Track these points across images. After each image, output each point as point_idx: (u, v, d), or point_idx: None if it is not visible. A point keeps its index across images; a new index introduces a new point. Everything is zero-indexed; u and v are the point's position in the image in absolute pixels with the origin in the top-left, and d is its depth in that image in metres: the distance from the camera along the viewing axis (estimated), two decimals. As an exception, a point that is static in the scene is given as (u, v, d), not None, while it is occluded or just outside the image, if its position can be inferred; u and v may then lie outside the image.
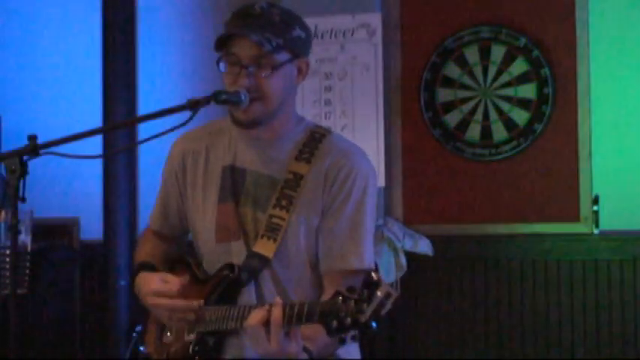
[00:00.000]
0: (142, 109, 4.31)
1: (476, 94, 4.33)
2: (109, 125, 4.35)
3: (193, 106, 1.92)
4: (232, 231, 2.10)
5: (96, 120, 4.23)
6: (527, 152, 4.25)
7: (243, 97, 1.99)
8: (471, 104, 4.33)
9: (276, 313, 1.78)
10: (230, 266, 2.07)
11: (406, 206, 4.37)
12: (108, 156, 4.20)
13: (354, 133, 4.12)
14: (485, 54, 4.31)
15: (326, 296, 1.80)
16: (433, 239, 4.20)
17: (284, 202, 2.05)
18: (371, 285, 1.62)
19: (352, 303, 1.62)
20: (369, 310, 1.59)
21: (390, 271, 4.09)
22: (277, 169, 2.09)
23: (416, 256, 4.16)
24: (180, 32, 4.66)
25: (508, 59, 4.28)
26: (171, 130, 1.94)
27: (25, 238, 3.97)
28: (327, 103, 4.23)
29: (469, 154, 4.33)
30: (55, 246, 4.55)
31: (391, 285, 1.63)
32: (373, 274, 1.65)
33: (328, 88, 4.23)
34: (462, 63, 4.34)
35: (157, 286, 2.05)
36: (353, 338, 1.64)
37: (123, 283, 4.14)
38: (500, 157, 4.29)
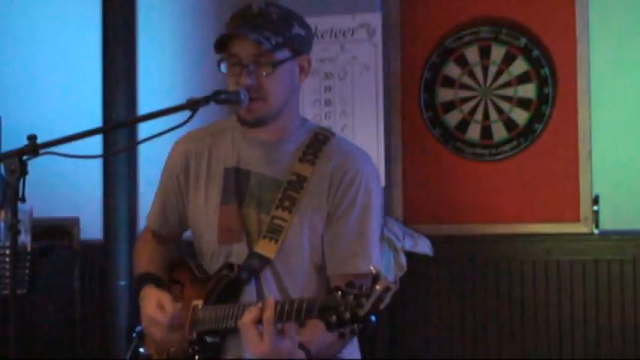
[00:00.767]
0: (142, 109, 4.31)
1: (476, 94, 4.33)
2: (109, 125, 4.34)
3: (193, 106, 1.93)
4: (235, 232, 2.09)
5: (96, 120, 4.23)
6: (527, 152, 4.25)
7: (242, 97, 1.99)
8: (471, 104, 4.33)
9: (268, 311, 1.77)
10: (229, 266, 2.07)
11: (406, 206, 4.36)
12: (108, 156, 4.19)
13: (354, 133, 4.12)
14: (485, 54, 4.31)
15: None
16: (433, 239, 4.20)
17: (287, 204, 2.05)
18: (370, 278, 1.62)
19: (351, 297, 1.62)
20: (368, 304, 1.59)
21: (390, 271, 4.09)
22: (281, 170, 2.08)
23: (416, 256, 4.16)
24: (181, 32, 4.66)
25: (508, 59, 4.28)
26: (171, 129, 1.94)
27: (25, 238, 3.96)
28: (327, 103, 4.23)
29: (469, 154, 4.33)
30: (55, 246, 4.54)
31: (391, 280, 1.62)
32: (372, 268, 1.66)
33: (328, 88, 4.23)
34: (462, 63, 4.34)
35: (152, 313, 2.05)
36: (352, 333, 1.64)
37: (123, 283, 4.14)
38: (500, 157, 4.29)
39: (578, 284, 4.14)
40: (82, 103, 4.63)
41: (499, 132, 4.29)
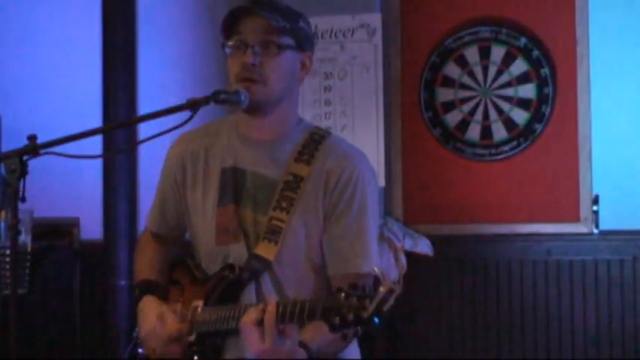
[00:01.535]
0: (142, 109, 4.31)
1: (476, 94, 4.33)
2: (109, 125, 4.34)
3: (193, 106, 1.93)
4: (232, 233, 2.09)
5: (96, 120, 4.22)
6: (527, 152, 4.25)
7: (242, 97, 1.99)
8: (471, 104, 4.33)
9: (270, 312, 1.78)
10: (230, 267, 2.07)
11: (406, 206, 4.36)
12: (108, 156, 4.19)
13: (354, 133, 4.12)
14: (485, 54, 4.31)
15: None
16: (433, 239, 4.20)
17: (284, 204, 2.05)
18: (374, 280, 1.62)
19: (354, 299, 1.62)
20: (371, 306, 1.59)
21: (390, 271, 4.09)
22: (277, 170, 2.08)
23: (416, 256, 4.16)
24: (181, 32, 4.66)
25: (508, 59, 4.28)
26: (171, 130, 1.94)
27: (25, 238, 3.96)
28: (327, 103, 4.23)
29: (469, 154, 4.33)
30: (55, 246, 4.54)
31: (394, 281, 1.62)
32: (376, 269, 1.65)
33: (328, 88, 4.23)
34: (462, 63, 4.34)
35: (153, 327, 2.06)
36: (355, 334, 1.64)
37: (123, 283, 4.13)
38: (500, 157, 4.29)
39: (578, 284, 4.14)
40: (82, 103, 4.63)
41: (499, 132, 4.29)
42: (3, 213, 3.80)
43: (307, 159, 2.08)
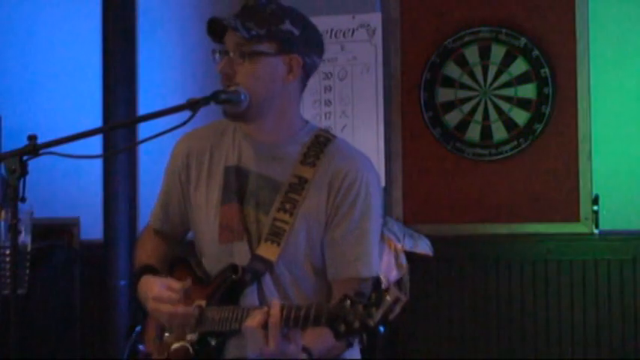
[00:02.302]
0: (142, 109, 4.31)
1: (476, 94, 4.33)
2: (109, 125, 4.35)
3: (193, 106, 1.93)
4: (235, 232, 2.09)
5: (96, 120, 4.22)
6: (527, 152, 4.25)
7: (242, 97, 1.99)
8: (471, 104, 4.33)
9: (275, 314, 1.78)
10: (233, 267, 2.07)
11: (406, 206, 4.36)
12: (108, 156, 4.19)
13: (354, 133, 4.12)
14: (485, 54, 4.31)
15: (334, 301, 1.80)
16: (433, 239, 4.20)
17: (288, 206, 2.05)
18: (380, 289, 1.62)
19: (360, 307, 1.62)
20: (378, 315, 1.59)
21: (390, 272, 4.09)
22: (281, 171, 2.08)
23: (416, 256, 4.16)
24: (181, 32, 4.66)
25: (508, 59, 4.28)
26: (171, 129, 1.94)
27: (25, 238, 3.96)
28: (327, 103, 4.23)
29: (469, 154, 4.33)
30: (55, 246, 4.55)
31: (399, 289, 1.63)
32: (382, 278, 1.66)
33: (328, 88, 4.23)
34: (462, 63, 4.34)
35: (159, 292, 2.06)
36: (360, 342, 1.64)
37: (123, 283, 4.14)
38: (500, 157, 4.29)
39: (578, 284, 4.14)
40: (82, 103, 4.63)
41: (499, 132, 4.29)
42: (3, 213, 3.80)
43: (312, 161, 2.07)
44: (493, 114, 4.30)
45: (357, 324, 1.61)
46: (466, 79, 4.34)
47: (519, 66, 4.27)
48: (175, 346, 2.11)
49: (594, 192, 4.13)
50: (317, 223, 2.06)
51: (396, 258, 4.13)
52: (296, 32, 2.05)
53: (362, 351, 2.22)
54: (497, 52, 4.29)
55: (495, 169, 4.30)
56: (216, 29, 2.05)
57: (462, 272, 4.28)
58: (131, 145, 4.04)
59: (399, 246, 4.13)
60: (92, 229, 4.48)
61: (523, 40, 4.25)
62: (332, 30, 4.22)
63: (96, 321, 4.41)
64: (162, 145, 2.21)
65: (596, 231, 4.12)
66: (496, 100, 4.30)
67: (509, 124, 4.28)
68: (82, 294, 4.59)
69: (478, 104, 4.32)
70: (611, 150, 4.15)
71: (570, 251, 4.16)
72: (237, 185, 2.11)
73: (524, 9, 4.27)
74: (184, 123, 1.93)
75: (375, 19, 4.20)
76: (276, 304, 1.80)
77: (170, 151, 2.26)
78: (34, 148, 1.84)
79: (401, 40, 4.40)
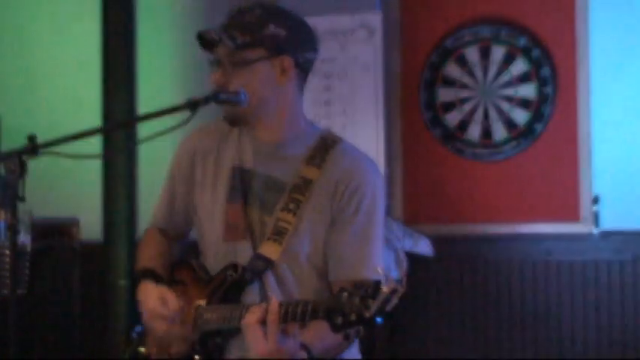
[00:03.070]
0: (142, 109, 4.31)
1: (476, 94, 4.33)
2: (109, 125, 4.35)
3: (193, 106, 1.93)
4: (240, 231, 2.10)
5: (96, 120, 4.22)
6: (527, 152, 4.25)
7: (243, 97, 2.00)
8: (471, 104, 4.33)
9: (273, 311, 1.78)
10: (234, 266, 2.07)
11: (406, 206, 4.37)
12: (108, 156, 4.19)
13: (354, 133, 4.12)
14: (485, 54, 4.31)
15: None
16: (433, 239, 4.20)
17: (291, 206, 2.05)
18: (377, 280, 1.62)
19: (357, 299, 1.62)
20: (374, 306, 1.60)
21: (390, 272, 4.09)
22: (286, 172, 2.09)
23: (416, 256, 4.16)
24: (180, 32, 4.66)
25: (508, 59, 4.28)
26: (171, 129, 1.94)
27: (24, 238, 3.96)
28: (327, 103, 4.23)
29: (469, 154, 4.33)
30: (55, 246, 4.55)
31: (398, 281, 1.63)
32: (379, 269, 1.66)
33: (328, 88, 4.23)
34: (462, 63, 4.34)
35: (154, 306, 2.05)
36: (357, 334, 1.64)
37: (123, 283, 4.14)
38: (500, 157, 4.29)
39: (578, 284, 4.14)
40: (82, 103, 4.63)
41: (499, 132, 4.29)
42: (2, 213, 3.79)
43: (318, 163, 2.08)
44: (493, 114, 4.30)
45: (353, 316, 1.61)
46: (466, 79, 4.34)
47: (519, 66, 4.27)
48: (176, 346, 2.11)
49: (594, 192, 4.13)
50: (321, 225, 2.06)
51: (397, 258, 4.13)
52: (282, 33, 2.05)
53: (362, 351, 2.22)
54: (497, 52, 4.29)
55: (495, 169, 4.30)
56: (206, 40, 2.07)
57: (462, 272, 4.28)
58: (131, 145, 4.04)
59: (399, 246, 4.13)
60: (92, 229, 4.48)
61: (523, 40, 4.25)
62: (332, 30, 4.21)
63: (96, 321, 4.41)
64: (162, 145, 2.21)
65: (596, 231, 4.12)
66: (496, 100, 4.30)
67: (509, 124, 4.28)
68: (81, 294, 4.59)
69: (478, 104, 4.32)
70: (611, 150, 4.15)
71: (570, 251, 4.16)
72: (241, 185, 2.11)
73: (524, 9, 4.27)
74: (184, 123, 1.94)
75: (375, 19, 4.20)
76: (274, 300, 1.80)
77: (175, 150, 2.26)
78: (33, 148, 1.84)
79: (401, 40, 4.41)
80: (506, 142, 4.28)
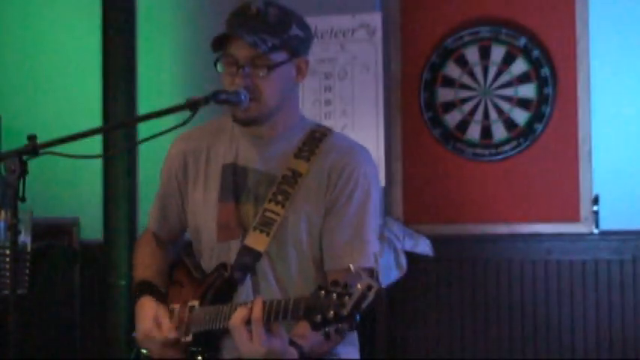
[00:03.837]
0: (142, 109, 4.31)
1: (476, 94, 4.33)
2: (109, 125, 4.35)
3: (193, 106, 1.93)
4: (233, 229, 2.10)
5: (96, 120, 4.22)
6: (527, 152, 4.25)
7: (242, 97, 2.00)
8: (471, 104, 4.33)
9: (256, 310, 1.79)
10: (223, 266, 2.08)
11: (406, 206, 4.36)
12: (108, 156, 4.19)
13: (354, 133, 4.11)
14: (485, 54, 4.31)
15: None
16: (433, 239, 4.20)
17: (280, 198, 2.06)
18: (352, 278, 1.63)
19: (334, 296, 1.63)
20: (350, 304, 1.61)
21: (390, 271, 4.09)
22: (276, 166, 2.10)
23: (416, 256, 4.16)
24: (180, 32, 4.66)
25: (508, 59, 4.28)
26: (171, 129, 1.94)
27: (25, 238, 3.96)
28: (327, 103, 4.23)
29: (469, 154, 4.32)
30: (55, 246, 4.55)
31: (374, 278, 1.63)
32: (351, 267, 1.66)
33: (328, 88, 4.23)
34: (462, 63, 4.34)
35: (148, 328, 2.06)
36: (337, 332, 1.64)
37: (123, 283, 4.13)
38: (500, 157, 4.29)
39: (578, 284, 4.14)
40: (82, 103, 4.63)
41: (499, 132, 4.29)
42: (3, 213, 3.80)
43: (307, 156, 2.09)
44: (493, 114, 4.30)
45: (331, 314, 1.62)
46: (466, 79, 4.34)
47: (519, 66, 4.26)
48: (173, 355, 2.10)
49: (594, 192, 4.13)
50: (315, 214, 2.07)
51: (396, 258, 4.14)
52: (302, 35, 2.07)
53: (362, 351, 2.22)
54: (497, 52, 4.29)
55: (495, 169, 4.30)
56: (219, 44, 2.04)
57: (462, 272, 4.28)
58: (131, 145, 4.04)
59: (399, 246, 4.14)
60: (92, 229, 4.48)
61: (523, 40, 4.25)
62: (332, 30, 4.21)
63: (96, 321, 4.41)
64: (162, 145, 2.21)
65: (596, 231, 4.12)
66: (496, 100, 4.30)
67: (509, 124, 4.28)
68: (82, 294, 4.59)
69: (478, 104, 4.32)
70: (611, 150, 4.15)
71: (570, 251, 4.16)
72: (234, 183, 2.12)
73: (524, 9, 4.27)
74: (184, 123, 1.94)
75: (375, 19, 4.20)
76: (258, 299, 1.81)
77: (166, 153, 2.26)
78: (33, 148, 1.84)
79: (401, 40, 4.40)
80: (506, 142, 4.28)
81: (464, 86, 4.34)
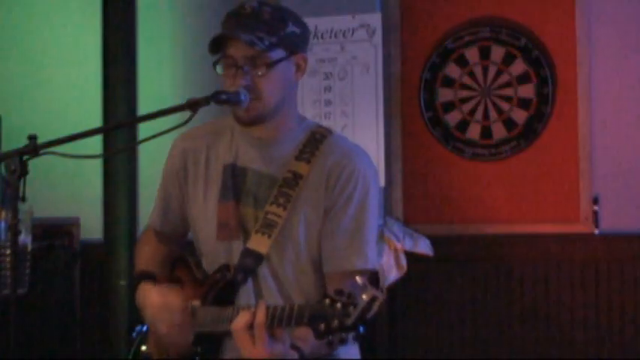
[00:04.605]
0: (142, 109, 4.31)
1: (476, 94, 4.33)
2: (109, 125, 4.35)
3: (193, 106, 1.93)
4: (233, 230, 2.10)
5: (96, 120, 4.22)
6: (527, 152, 4.25)
7: (243, 97, 2.00)
8: (471, 104, 4.33)
9: (260, 315, 1.79)
10: (226, 267, 2.08)
11: (406, 206, 4.36)
12: (108, 156, 4.19)
13: (354, 133, 4.12)
14: (485, 54, 4.31)
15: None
16: (433, 239, 4.20)
17: (281, 200, 2.05)
18: (357, 289, 1.63)
19: (339, 306, 1.63)
20: (355, 314, 1.61)
21: (390, 271, 4.09)
22: (277, 168, 2.09)
23: (416, 256, 4.16)
24: (180, 32, 4.66)
25: (508, 59, 4.28)
26: (171, 129, 1.94)
27: (25, 237, 3.97)
28: (327, 103, 4.23)
29: (469, 154, 4.33)
30: (55, 246, 4.55)
31: (379, 289, 1.63)
32: (358, 278, 1.66)
33: (328, 88, 4.23)
34: (462, 63, 4.34)
35: (157, 302, 2.07)
36: (341, 341, 1.65)
37: (123, 283, 4.14)
38: (500, 157, 4.29)
39: (578, 284, 4.14)
40: (82, 103, 4.63)
41: (499, 132, 4.29)
42: (3, 213, 3.80)
43: (308, 157, 2.09)
44: (493, 114, 4.31)
45: (335, 323, 1.62)
46: (466, 79, 4.34)
47: (519, 66, 4.27)
48: (174, 349, 2.11)
49: (594, 192, 4.13)
50: (315, 216, 2.06)
51: (396, 258, 4.13)
52: (298, 31, 2.07)
53: (362, 351, 2.22)
54: (497, 52, 4.30)
55: (495, 169, 4.30)
56: (217, 45, 2.04)
57: (462, 272, 4.28)
58: (131, 145, 4.04)
59: (399, 246, 4.13)
60: (92, 229, 4.49)
61: (523, 40, 4.25)
62: (332, 30, 4.21)
63: (96, 321, 4.42)
64: (162, 145, 2.21)
65: (596, 231, 4.12)
66: (496, 100, 4.30)
67: (509, 124, 4.28)
68: (82, 294, 4.60)
69: (478, 104, 4.32)
70: (611, 150, 4.15)
71: (570, 251, 4.16)
72: (234, 183, 2.12)
73: (524, 9, 4.27)
74: (184, 123, 1.94)
75: (375, 19, 4.20)
76: (262, 304, 1.81)
77: (167, 152, 2.27)
78: (34, 148, 1.84)
79: (401, 39, 4.41)
80: (506, 142, 4.28)
81: (464, 86, 4.34)
